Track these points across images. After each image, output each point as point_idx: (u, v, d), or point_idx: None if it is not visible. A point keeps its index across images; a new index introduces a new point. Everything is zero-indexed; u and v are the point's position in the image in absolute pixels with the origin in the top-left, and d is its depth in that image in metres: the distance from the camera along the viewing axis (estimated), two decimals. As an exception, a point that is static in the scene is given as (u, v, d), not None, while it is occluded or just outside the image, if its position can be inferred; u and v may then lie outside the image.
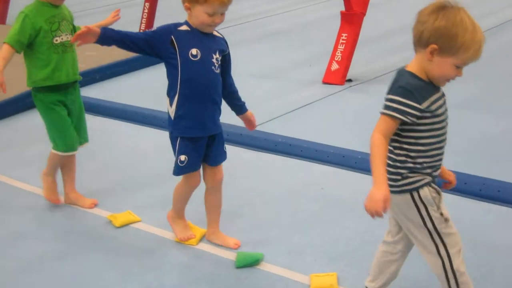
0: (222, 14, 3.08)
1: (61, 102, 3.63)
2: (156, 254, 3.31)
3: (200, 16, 3.05)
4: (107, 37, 3.05)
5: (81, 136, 3.78)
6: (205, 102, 3.14)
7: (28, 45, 3.50)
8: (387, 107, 2.48)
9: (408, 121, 2.45)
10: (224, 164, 3.32)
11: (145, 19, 7.85)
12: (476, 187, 3.77)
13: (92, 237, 3.48)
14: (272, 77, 6.27)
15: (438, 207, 2.53)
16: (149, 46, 3.08)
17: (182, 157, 3.18)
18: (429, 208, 2.53)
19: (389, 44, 7.32)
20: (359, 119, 5.03)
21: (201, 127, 3.16)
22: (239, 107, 3.32)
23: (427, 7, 2.48)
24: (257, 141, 4.60)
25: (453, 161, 3.92)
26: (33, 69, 3.58)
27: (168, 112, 3.18)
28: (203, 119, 3.15)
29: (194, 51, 3.08)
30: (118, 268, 3.16)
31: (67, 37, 3.58)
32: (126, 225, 3.61)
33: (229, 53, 3.22)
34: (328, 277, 3.01)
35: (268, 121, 5.03)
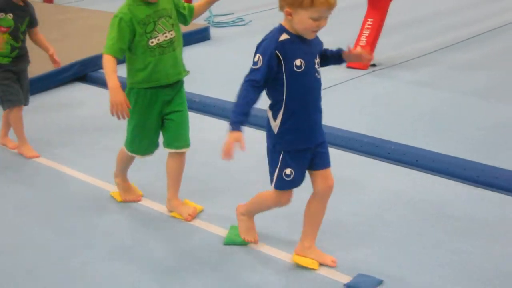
0: (327, 17, 2.82)
1: (156, 102, 3.36)
2: (150, 227, 3.40)
3: (304, 21, 2.79)
4: (244, 123, 2.80)
5: (178, 140, 3.44)
6: (311, 113, 2.96)
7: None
8: None
9: None
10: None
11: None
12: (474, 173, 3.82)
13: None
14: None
15: None
16: (266, 81, 2.82)
17: (288, 171, 2.97)
18: None
19: (418, 30, 7.23)
20: (378, 103, 5.06)
21: (308, 139, 2.96)
22: (337, 54, 3.04)
23: None
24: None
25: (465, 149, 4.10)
26: (131, 71, 3.34)
27: (268, 124, 2.96)
28: (309, 130, 2.96)
29: (298, 62, 2.85)
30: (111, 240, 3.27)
31: (166, 36, 3.29)
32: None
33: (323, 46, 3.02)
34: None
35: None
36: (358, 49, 3.16)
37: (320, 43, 2.99)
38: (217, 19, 7.91)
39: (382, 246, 3.20)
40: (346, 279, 2.92)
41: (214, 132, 4.44)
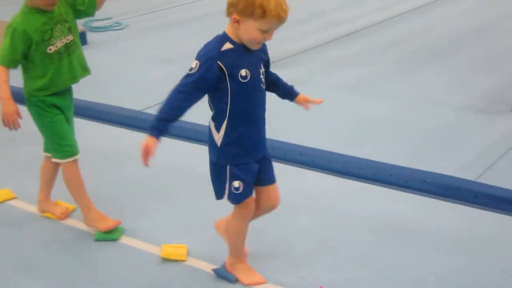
0: (274, 30, 2.71)
1: (57, 107, 3.29)
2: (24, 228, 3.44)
3: (251, 32, 2.66)
4: (166, 130, 2.72)
5: None
6: (256, 124, 2.86)
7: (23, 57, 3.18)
8: None
9: None
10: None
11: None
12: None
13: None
14: (175, 62, 6.33)
15: None
16: (203, 91, 2.72)
17: (236, 183, 2.83)
18: None
19: (293, 31, 7.28)
20: None
21: (253, 152, 2.85)
22: (290, 91, 3.01)
23: None
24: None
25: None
26: (28, 80, 3.26)
27: (211, 136, 2.83)
28: (254, 143, 2.85)
29: (243, 72, 2.72)
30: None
31: (63, 42, 3.23)
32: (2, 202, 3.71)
33: (268, 56, 2.92)
34: (178, 248, 3.20)
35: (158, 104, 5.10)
36: (311, 99, 3.04)
37: (265, 51, 2.88)
38: (94, 24, 7.85)
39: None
40: (211, 267, 3.07)
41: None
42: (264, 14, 2.59)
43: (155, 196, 3.77)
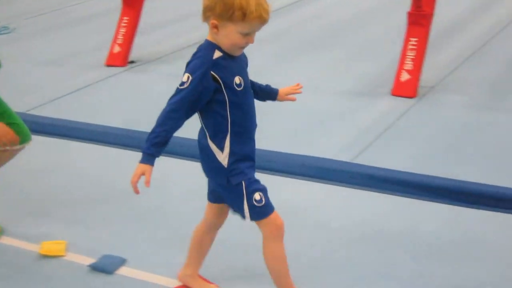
0: (255, 33, 2.54)
1: None
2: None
3: (232, 36, 2.47)
4: (160, 154, 2.51)
5: None
6: (254, 132, 2.68)
7: None
8: None
9: None
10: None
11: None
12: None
13: None
14: (60, 63, 6.36)
15: None
16: (198, 107, 2.51)
17: (257, 196, 2.59)
18: None
19: (175, 28, 7.62)
20: (137, 98, 5.33)
21: (254, 162, 2.68)
22: (269, 90, 2.84)
23: None
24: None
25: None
26: None
27: (212, 159, 2.58)
28: (254, 151, 2.67)
29: (237, 79, 2.55)
30: None
31: None
32: None
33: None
34: (57, 244, 3.22)
35: (42, 104, 5.14)
36: (292, 88, 2.90)
37: (245, 55, 2.69)
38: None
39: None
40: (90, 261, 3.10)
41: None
42: (244, 16, 2.42)
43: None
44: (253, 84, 2.73)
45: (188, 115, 2.48)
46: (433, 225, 3.42)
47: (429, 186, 3.72)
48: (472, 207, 3.57)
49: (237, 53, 2.54)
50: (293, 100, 2.89)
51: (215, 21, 2.44)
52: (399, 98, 5.11)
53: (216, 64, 2.46)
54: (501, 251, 3.21)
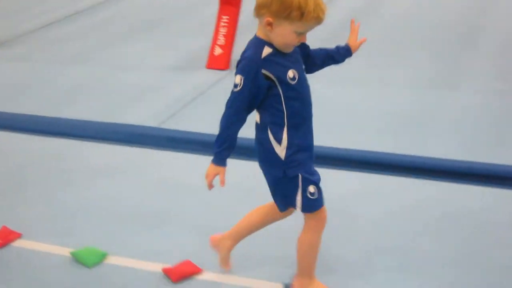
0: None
1: None
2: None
3: (287, 35, 2.43)
4: (228, 157, 2.54)
5: None
6: (310, 123, 2.64)
7: None
8: None
9: None
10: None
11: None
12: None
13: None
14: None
15: None
16: (255, 104, 2.51)
17: (312, 188, 2.60)
18: None
19: None
20: None
21: (312, 153, 2.66)
22: (343, 51, 2.73)
23: None
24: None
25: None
26: None
27: (270, 152, 2.56)
28: (312, 143, 2.65)
29: (290, 73, 2.50)
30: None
31: None
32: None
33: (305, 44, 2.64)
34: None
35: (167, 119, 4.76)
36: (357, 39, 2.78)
37: (305, 46, 2.65)
38: None
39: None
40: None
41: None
42: (302, 16, 2.36)
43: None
44: (327, 52, 2.68)
45: (247, 113, 2.50)
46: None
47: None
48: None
49: (289, 51, 2.49)
50: (364, 40, 2.76)
51: (270, 19, 2.38)
52: (214, 70, 5.53)
53: (266, 62, 2.44)
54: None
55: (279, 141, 2.52)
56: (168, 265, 2.96)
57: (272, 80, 2.44)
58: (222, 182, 2.51)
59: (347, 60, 2.78)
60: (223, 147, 2.48)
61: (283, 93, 2.47)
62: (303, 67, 2.58)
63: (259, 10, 2.40)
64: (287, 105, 2.49)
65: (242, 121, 2.49)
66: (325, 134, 3.67)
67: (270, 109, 2.52)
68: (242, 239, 2.89)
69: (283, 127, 2.52)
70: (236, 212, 3.01)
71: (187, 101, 4.92)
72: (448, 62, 5.85)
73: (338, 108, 4.85)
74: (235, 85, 2.42)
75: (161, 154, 4.13)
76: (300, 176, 2.54)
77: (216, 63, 5.61)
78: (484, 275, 2.92)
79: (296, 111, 2.52)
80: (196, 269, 2.96)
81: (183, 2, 8.36)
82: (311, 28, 2.42)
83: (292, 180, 2.55)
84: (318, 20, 2.38)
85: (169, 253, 3.08)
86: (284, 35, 2.40)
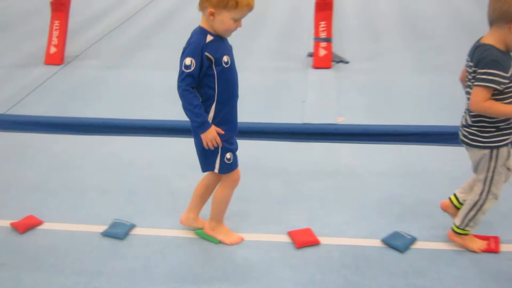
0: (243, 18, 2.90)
1: None
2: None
3: (226, 22, 2.82)
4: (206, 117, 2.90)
5: None
6: (235, 103, 3.04)
7: None
8: (484, 80, 2.76)
9: (500, 88, 2.78)
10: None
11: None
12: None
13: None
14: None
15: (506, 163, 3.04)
16: (198, 77, 2.87)
17: (228, 155, 3.02)
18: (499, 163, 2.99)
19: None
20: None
21: (235, 128, 3.06)
22: None
23: None
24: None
25: None
26: None
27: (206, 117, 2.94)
28: (235, 120, 3.05)
29: (225, 58, 2.90)
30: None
31: None
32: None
33: None
34: None
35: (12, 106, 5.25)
36: None
37: (229, 44, 3.02)
38: None
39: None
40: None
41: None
42: (237, 5, 2.75)
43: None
44: None
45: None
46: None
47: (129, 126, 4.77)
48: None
49: (227, 36, 2.91)
50: None
51: (212, 10, 2.78)
52: (50, 66, 6.16)
53: (208, 46, 2.82)
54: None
55: (207, 112, 2.91)
56: (15, 220, 3.50)
57: (211, 61, 2.83)
58: (221, 132, 2.92)
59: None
60: (200, 116, 2.85)
61: (217, 74, 2.87)
62: (233, 57, 2.97)
63: (202, 4, 2.83)
64: (219, 85, 2.89)
65: (196, 94, 2.86)
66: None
67: (205, 87, 2.88)
68: (201, 209, 3.34)
69: (213, 102, 2.91)
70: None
71: (30, 91, 5.54)
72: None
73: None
74: (187, 67, 2.80)
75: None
76: (225, 145, 2.98)
77: (52, 59, 6.23)
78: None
79: (225, 91, 2.91)
80: (38, 221, 3.52)
81: (20, 10, 8.68)
82: (245, 14, 2.83)
83: (221, 147, 2.97)
84: (250, 7, 2.81)
85: (15, 210, 3.63)
86: (224, 22, 2.80)
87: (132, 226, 3.44)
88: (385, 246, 3.28)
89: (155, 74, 6.07)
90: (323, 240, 3.32)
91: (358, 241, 3.33)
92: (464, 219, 3.15)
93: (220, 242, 3.27)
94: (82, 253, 3.25)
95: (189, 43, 2.87)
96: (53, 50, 6.35)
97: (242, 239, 3.29)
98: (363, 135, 4.60)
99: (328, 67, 5.96)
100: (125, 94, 5.56)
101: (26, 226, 3.46)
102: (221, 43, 2.90)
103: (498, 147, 2.96)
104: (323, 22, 6.02)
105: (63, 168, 4.22)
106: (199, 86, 2.89)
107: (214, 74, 2.87)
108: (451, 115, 4.16)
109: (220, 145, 2.92)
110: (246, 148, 3.70)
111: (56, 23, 6.39)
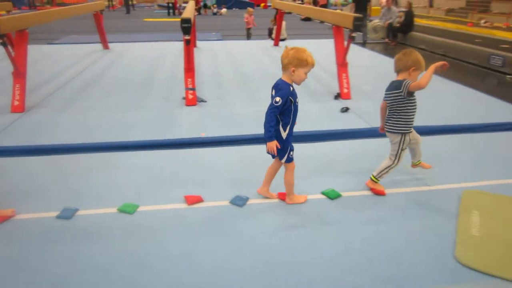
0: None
1: None
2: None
3: (301, 75, 2.92)
4: (273, 137, 3.02)
5: None
6: (294, 124, 3.11)
7: None
8: (408, 82, 3.03)
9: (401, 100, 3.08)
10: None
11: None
12: None
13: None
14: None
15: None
16: (280, 112, 2.97)
17: (291, 153, 3.16)
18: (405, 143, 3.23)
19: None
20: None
21: (292, 139, 3.14)
22: None
23: (403, 52, 3.13)
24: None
25: None
26: None
27: (279, 134, 3.07)
28: (293, 132, 3.12)
29: (297, 100, 3.02)
30: None
31: None
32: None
33: None
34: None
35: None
36: None
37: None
38: None
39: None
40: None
41: None
42: (307, 63, 2.90)
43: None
44: None
45: (277, 117, 2.98)
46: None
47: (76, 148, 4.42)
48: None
49: (299, 84, 3.01)
50: None
51: (294, 68, 2.92)
52: (16, 113, 5.85)
53: (291, 93, 2.95)
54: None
55: (284, 130, 3.04)
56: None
57: (291, 102, 2.95)
58: (278, 146, 3.02)
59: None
60: (271, 131, 2.95)
61: (293, 109, 2.99)
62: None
63: (286, 66, 2.94)
64: (292, 115, 3.01)
65: (276, 119, 2.97)
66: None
67: (286, 115, 2.98)
68: (270, 183, 3.38)
69: (288, 124, 3.03)
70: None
71: (1, 130, 5.15)
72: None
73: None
74: (276, 102, 2.92)
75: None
76: (288, 147, 3.11)
77: (16, 109, 5.95)
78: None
79: (292, 118, 3.03)
80: (10, 213, 3.10)
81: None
82: (311, 69, 2.96)
83: (286, 146, 3.10)
84: (313, 64, 2.93)
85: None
86: (300, 76, 2.92)
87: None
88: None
89: (91, 114, 6.02)
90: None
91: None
92: (380, 173, 3.41)
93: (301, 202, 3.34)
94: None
95: (278, 89, 2.96)
96: (16, 103, 6.18)
97: (306, 197, 3.40)
98: (218, 142, 4.67)
99: (194, 105, 6.04)
100: (70, 129, 5.48)
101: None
102: (294, 90, 3.00)
103: (404, 134, 3.28)
104: (190, 79, 6.11)
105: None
106: (282, 114, 3.00)
107: (291, 109, 2.99)
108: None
109: (276, 153, 3.06)
110: (152, 156, 3.98)
111: (17, 85, 6.20)
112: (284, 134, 3.06)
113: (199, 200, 3.32)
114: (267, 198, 3.39)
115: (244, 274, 2.52)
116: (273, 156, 3.16)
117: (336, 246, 2.82)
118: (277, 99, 2.89)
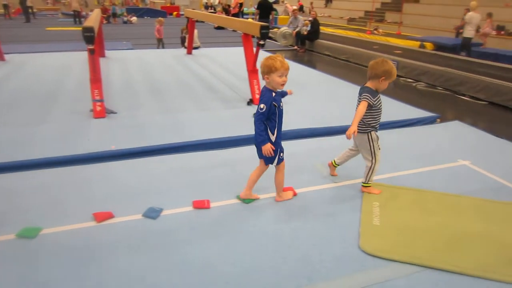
0: (286, 75, 3.13)
1: None
2: None
3: (276, 79, 3.14)
4: (266, 141, 3.25)
5: None
6: (281, 126, 3.33)
7: None
8: (365, 98, 3.33)
9: (371, 104, 3.34)
10: None
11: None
12: None
13: None
14: None
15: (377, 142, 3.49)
16: (266, 117, 3.20)
17: (282, 154, 3.41)
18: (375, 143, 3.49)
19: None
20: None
21: (281, 141, 3.38)
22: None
23: (377, 61, 3.41)
24: None
25: None
26: None
27: (269, 137, 3.27)
28: (281, 136, 3.35)
29: (281, 105, 3.25)
30: None
31: None
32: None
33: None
34: None
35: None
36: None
37: (282, 93, 3.36)
38: None
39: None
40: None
41: None
42: (276, 68, 3.11)
43: None
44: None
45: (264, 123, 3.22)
46: None
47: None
48: None
49: (281, 88, 3.24)
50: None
51: (266, 76, 3.17)
52: None
53: (274, 98, 3.19)
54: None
55: (272, 132, 3.30)
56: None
57: (276, 106, 3.21)
58: (273, 148, 3.30)
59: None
60: (262, 135, 3.24)
61: (278, 114, 3.25)
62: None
63: (262, 74, 3.21)
64: (278, 119, 3.27)
65: (264, 125, 3.26)
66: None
67: (271, 120, 3.25)
68: (253, 186, 3.59)
69: (274, 127, 3.28)
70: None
71: None
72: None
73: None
74: (261, 109, 3.20)
75: None
76: (278, 149, 3.38)
77: None
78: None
79: (278, 122, 3.29)
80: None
81: None
82: (284, 72, 3.17)
83: (275, 151, 3.35)
84: (284, 67, 3.16)
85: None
86: (274, 80, 3.17)
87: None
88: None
89: (27, 130, 5.69)
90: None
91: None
92: (366, 177, 3.68)
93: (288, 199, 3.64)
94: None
95: (262, 96, 3.23)
96: None
97: (296, 193, 3.71)
98: (128, 154, 4.67)
99: (103, 117, 5.87)
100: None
101: None
102: (277, 95, 3.26)
103: (370, 132, 3.54)
104: (96, 90, 5.96)
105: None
106: (268, 120, 3.26)
107: (276, 113, 3.24)
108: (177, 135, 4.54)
109: (273, 154, 3.32)
110: (56, 174, 3.79)
111: None
112: (273, 138, 3.30)
113: (109, 216, 3.21)
114: (178, 207, 3.46)
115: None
116: (266, 160, 3.40)
117: (250, 246, 3.01)
118: (262, 105, 3.18)
